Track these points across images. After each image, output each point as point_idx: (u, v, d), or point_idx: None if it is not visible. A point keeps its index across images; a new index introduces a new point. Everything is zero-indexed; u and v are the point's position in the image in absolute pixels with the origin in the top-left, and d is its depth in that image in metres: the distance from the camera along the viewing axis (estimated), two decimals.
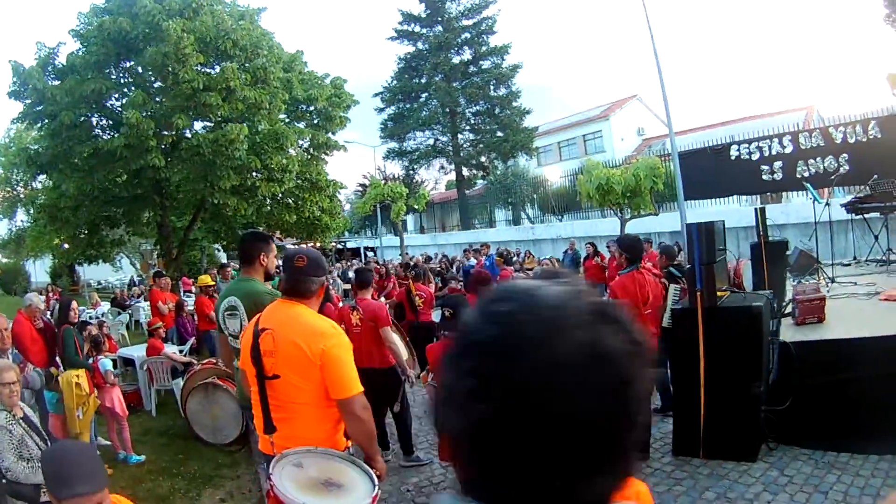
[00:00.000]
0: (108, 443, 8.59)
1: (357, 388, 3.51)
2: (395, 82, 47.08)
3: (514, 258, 22.77)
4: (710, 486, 6.02)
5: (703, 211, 24.59)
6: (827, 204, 13.04)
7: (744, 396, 6.44)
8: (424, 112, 46.57)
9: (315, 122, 18.62)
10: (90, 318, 22.05)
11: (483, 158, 47.28)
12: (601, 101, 60.94)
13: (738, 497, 5.77)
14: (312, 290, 3.77)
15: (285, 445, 3.43)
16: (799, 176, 17.91)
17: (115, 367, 12.18)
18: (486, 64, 46.58)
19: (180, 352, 12.11)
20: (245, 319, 4.51)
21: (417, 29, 47.02)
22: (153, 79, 14.73)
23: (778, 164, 18.53)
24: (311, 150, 19.05)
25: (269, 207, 19.25)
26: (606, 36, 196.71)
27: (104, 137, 14.44)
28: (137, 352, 12.17)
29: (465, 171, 48.78)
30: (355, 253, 47.27)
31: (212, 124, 15.35)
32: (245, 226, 21.54)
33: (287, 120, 18.64)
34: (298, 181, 18.68)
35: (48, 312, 11.12)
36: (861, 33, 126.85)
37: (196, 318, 13.81)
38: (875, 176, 13.37)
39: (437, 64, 45.08)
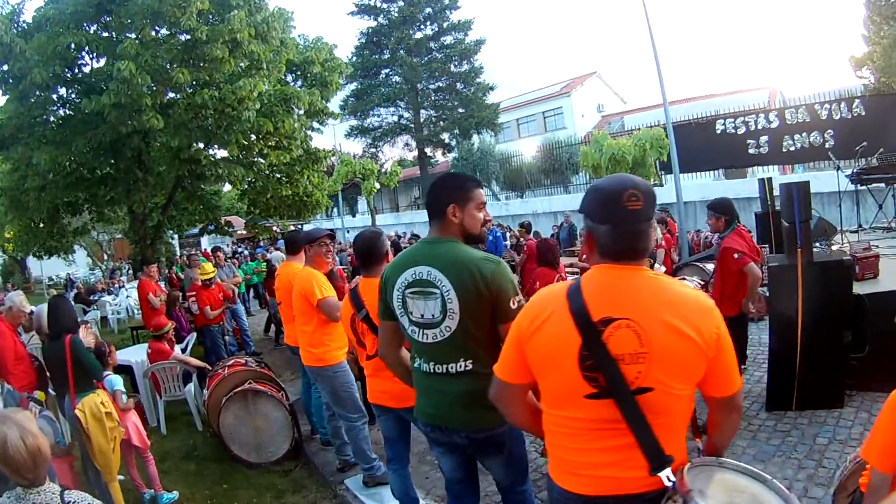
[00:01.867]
0: (122, 477, 6.32)
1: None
2: (356, 58, 44.86)
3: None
4: (817, 433, 6.24)
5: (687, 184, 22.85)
6: None
7: (836, 345, 6.70)
8: (385, 89, 45.12)
9: (311, 87, 16.21)
10: None
11: (445, 135, 46.26)
12: (557, 78, 60.15)
13: (846, 438, 6.03)
14: (651, 247, 2.49)
15: None
16: (785, 150, 18.73)
17: None
18: (448, 39, 45.32)
19: (182, 352, 10.09)
20: (449, 301, 3.19)
21: (378, 3, 45.08)
22: (143, 29, 11.98)
23: (764, 138, 19.05)
24: (306, 119, 16.62)
25: (261, 182, 16.91)
26: (558, 12, 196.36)
27: (84, 100, 11.75)
28: (134, 356, 10.10)
29: (427, 150, 47.74)
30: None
31: (208, 81, 12.95)
32: (213, 207, 19.60)
33: (287, 83, 16.45)
34: (301, 150, 16.46)
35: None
36: (821, 15, 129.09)
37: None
38: (864, 143, 13.88)
39: (401, 39, 43.66)
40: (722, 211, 7.33)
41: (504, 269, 3.23)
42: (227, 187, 22.95)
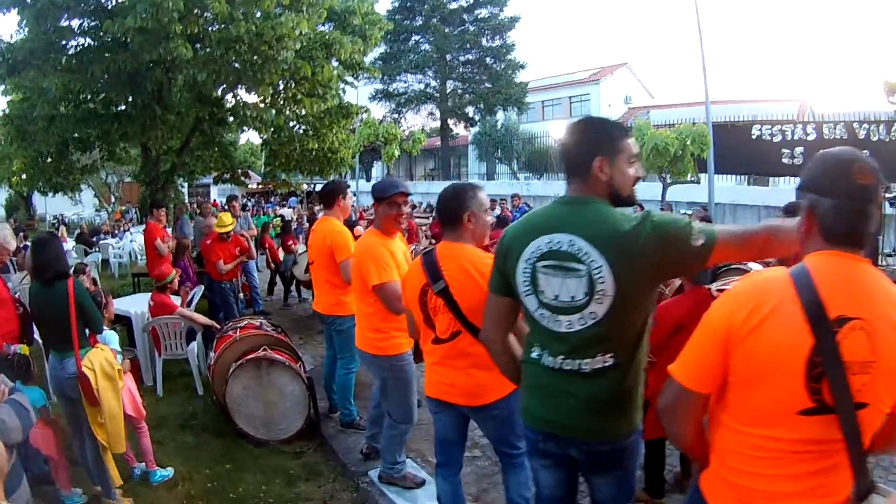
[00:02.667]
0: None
1: None
2: (388, 21, 43.02)
3: None
4: None
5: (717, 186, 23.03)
6: None
7: None
8: (414, 55, 44.03)
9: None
10: None
11: (470, 109, 45.16)
12: (584, 65, 59.52)
13: None
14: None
15: None
16: None
17: None
18: (482, 13, 44.10)
19: (187, 306, 9.16)
20: (600, 280, 2.50)
21: None
22: None
23: (799, 149, 18.78)
24: (343, 70, 15.63)
25: (287, 132, 15.91)
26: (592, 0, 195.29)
27: (107, 22, 10.51)
28: (133, 306, 9.13)
29: (450, 122, 46.74)
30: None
31: (245, 15, 11.52)
32: (229, 156, 18.68)
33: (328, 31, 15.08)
34: (335, 102, 15.38)
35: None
36: (857, 36, 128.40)
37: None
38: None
39: (435, 6, 42.68)
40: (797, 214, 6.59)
41: (661, 216, 2.53)
42: (243, 140, 21.85)
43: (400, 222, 4.98)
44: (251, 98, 13.69)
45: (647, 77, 52.38)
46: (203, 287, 10.56)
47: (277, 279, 14.43)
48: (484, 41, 43.78)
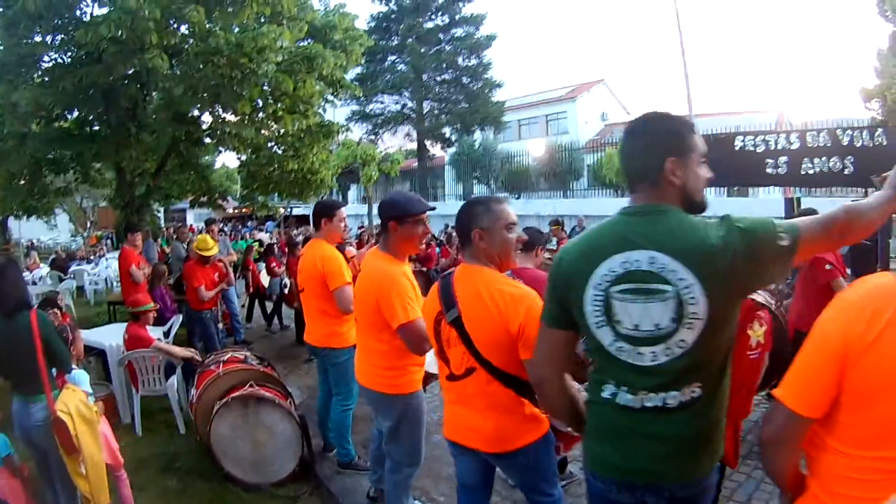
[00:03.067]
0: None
1: None
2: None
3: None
4: None
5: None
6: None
7: None
8: (391, 76, 43.41)
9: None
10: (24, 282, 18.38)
11: (446, 129, 44.80)
12: (559, 83, 59.58)
13: None
14: None
15: None
16: (803, 173, 14.96)
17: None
18: (458, 32, 43.77)
19: (165, 336, 8.60)
20: (691, 301, 2.12)
21: None
22: None
23: (783, 158, 15.34)
24: (325, 86, 14.88)
25: (265, 152, 15.31)
26: (564, 17, 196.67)
27: (79, 31, 9.84)
28: (108, 338, 8.49)
29: (427, 143, 46.21)
30: (302, 220, 43.67)
31: (224, 27, 10.93)
32: (206, 178, 17.97)
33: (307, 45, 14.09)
34: (317, 119, 14.73)
35: None
36: (829, 44, 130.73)
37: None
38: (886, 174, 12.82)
39: (412, 26, 42.08)
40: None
41: (746, 219, 2.20)
42: (219, 163, 21.17)
43: (421, 244, 4.44)
44: (230, 116, 13.07)
45: (622, 93, 52.52)
46: (181, 316, 9.95)
47: (256, 305, 13.96)
48: (460, 60, 43.49)
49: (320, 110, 15.01)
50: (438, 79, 44.30)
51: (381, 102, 44.78)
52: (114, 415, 7.60)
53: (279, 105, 12.86)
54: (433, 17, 43.76)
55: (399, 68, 43.60)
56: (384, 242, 4.30)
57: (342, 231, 5.93)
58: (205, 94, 11.11)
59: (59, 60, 11.72)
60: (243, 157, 16.38)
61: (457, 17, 43.38)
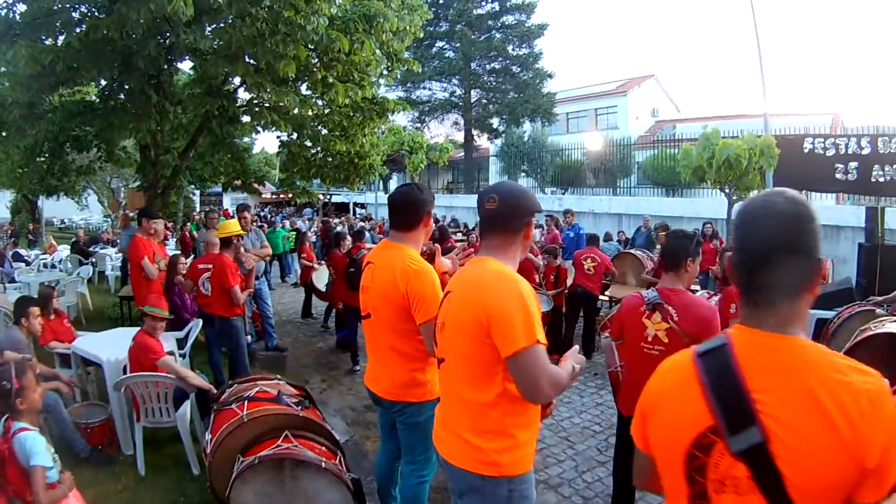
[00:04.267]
0: None
1: None
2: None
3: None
4: None
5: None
6: None
7: None
8: (439, 62, 41.43)
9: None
10: (43, 265, 16.77)
11: (494, 120, 42.74)
12: (607, 77, 58.05)
13: None
14: None
15: None
16: (874, 180, 17.85)
17: (67, 364, 6.93)
18: (509, 19, 41.63)
19: (178, 348, 6.80)
20: None
21: None
22: None
23: (853, 164, 18.20)
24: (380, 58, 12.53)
25: (309, 130, 13.14)
26: (615, 10, 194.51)
27: None
28: (108, 349, 6.66)
29: (474, 132, 44.26)
30: (341, 208, 42.02)
31: None
32: (242, 159, 16.29)
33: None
34: (373, 92, 12.49)
35: None
36: (887, 47, 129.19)
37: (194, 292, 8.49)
38: None
39: (462, 12, 40.12)
40: None
41: None
42: (258, 148, 19.30)
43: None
44: (268, 89, 10.49)
45: (673, 89, 50.76)
46: (201, 321, 8.04)
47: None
48: (510, 49, 41.50)
49: (376, 84, 12.80)
50: (487, 67, 42.38)
51: (429, 89, 42.98)
52: (111, 442, 5.93)
53: (330, 71, 10.43)
54: (483, 3, 41.91)
55: (447, 55, 41.82)
56: (494, 247, 3.05)
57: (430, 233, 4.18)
58: (240, 50, 8.78)
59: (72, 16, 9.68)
60: (283, 137, 14.51)
61: (508, 3, 41.41)
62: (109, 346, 6.66)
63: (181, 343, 7.57)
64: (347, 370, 9.57)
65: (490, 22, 41.64)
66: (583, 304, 10.52)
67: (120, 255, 15.80)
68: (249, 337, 9.21)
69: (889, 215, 15.69)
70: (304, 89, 11.54)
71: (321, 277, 12.14)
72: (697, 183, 19.87)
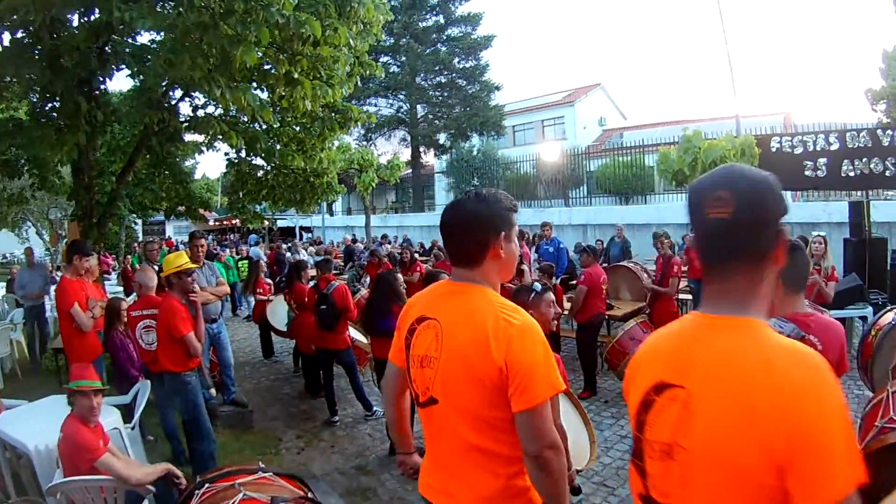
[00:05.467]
0: None
1: None
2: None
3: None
4: None
5: None
6: None
7: None
8: (385, 76, 39.24)
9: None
10: None
11: (441, 135, 41.71)
12: (553, 88, 58.20)
13: None
14: None
15: None
16: (843, 175, 17.22)
17: None
18: (455, 32, 40.82)
19: (124, 421, 5.24)
20: None
21: None
22: None
23: (822, 160, 17.53)
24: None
25: (263, 142, 11.28)
26: (562, 21, 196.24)
27: None
28: (37, 428, 5.17)
29: (420, 148, 43.23)
30: (287, 233, 40.21)
31: None
32: (184, 183, 14.47)
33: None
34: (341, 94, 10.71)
35: None
36: (836, 47, 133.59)
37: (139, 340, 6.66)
38: None
39: (407, 24, 38.84)
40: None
41: None
42: (198, 174, 17.62)
43: None
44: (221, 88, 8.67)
45: (620, 98, 50.98)
46: (149, 383, 6.39)
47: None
48: (456, 62, 40.66)
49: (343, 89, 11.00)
50: (433, 81, 41.42)
51: (375, 105, 41.42)
52: None
53: (294, 66, 8.22)
54: (428, 16, 40.97)
55: (392, 69, 40.47)
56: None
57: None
58: (188, 36, 6.93)
59: None
60: (232, 155, 12.91)
61: (453, 16, 40.69)
62: (41, 425, 5.11)
63: (128, 414, 5.97)
64: (325, 421, 8.27)
65: (435, 35, 40.77)
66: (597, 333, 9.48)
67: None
68: (209, 392, 7.56)
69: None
70: (262, 96, 9.78)
71: (277, 312, 10.79)
72: (675, 187, 19.39)
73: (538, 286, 5.75)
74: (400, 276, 7.74)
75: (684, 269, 11.86)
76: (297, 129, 11.64)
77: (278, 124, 11.56)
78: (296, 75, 8.16)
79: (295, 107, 8.89)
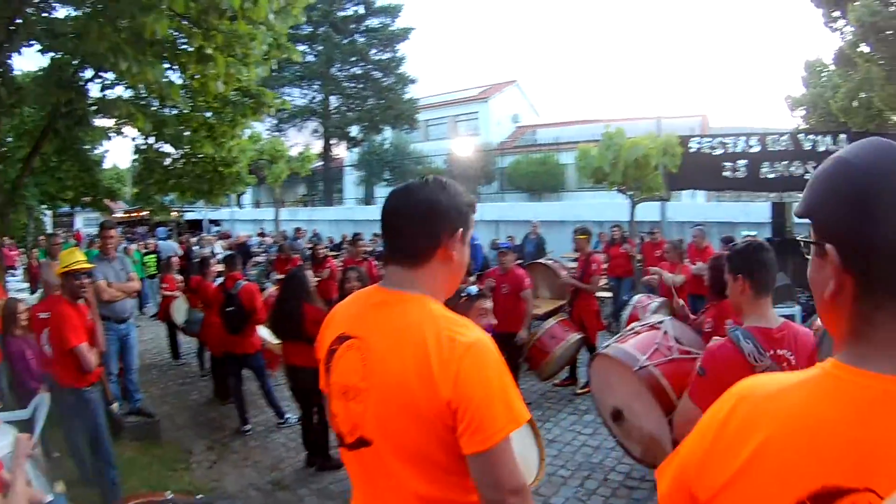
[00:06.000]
0: None
1: None
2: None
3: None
4: None
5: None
6: None
7: None
8: (298, 66, 39.00)
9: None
10: None
11: (353, 128, 41.22)
12: (465, 83, 58.27)
13: None
14: None
15: None
16: (762, 177, 18.39)
17: None
18: (373, 22, 40.36)
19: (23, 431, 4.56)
20: None
21: None
22: None
23: (742, 162, 18.74)
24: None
25: (173, 128, 10.64)
26: (477, 16, 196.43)
27: None
28: None
29: (332, 141, 42.77)
30: (195, 226, 38.73)
31: None
32: (91, 169, 13.59)
33: None
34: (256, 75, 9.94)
35: None
36: (757, 53, 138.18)
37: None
38: None
39: (327, 13, 38.33)
40: None
41: None
42: (108, 164, 16.59)
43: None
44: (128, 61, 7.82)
45: (534, 95, 51.26)
46: (49, 395, 5.67)
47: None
48: (373, 53, 40.21)
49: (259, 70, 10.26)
50: (349, 72, 40.86)
51: (288, 95, 40.17)
52: None
53: (208, 40, 7.65)
54: (348, 5, 40.41)
55: (308, 59, 39.65)
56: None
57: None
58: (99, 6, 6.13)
59: None
60: (139, 141, 12.06)
61: (373, 6, 40.17)
62: None
63: (30, 422, 5.30)
64: (236, 430, 7.77)
65: (354, 25, 40.32)
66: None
67: None
68: (115, 406, 6.91)
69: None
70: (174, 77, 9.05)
71: (179, 309, 10.19)
72: (594, 185, 19.35)
73: (473, 289, 5.29)
74: (310, 273, 7.28)
75: (605, 266, 11.79)
76: (209, 114, 10.90)
77: (189, 109, 10.81)
78: (209, 51, 7.47)
79: (207, 89, 8.21)
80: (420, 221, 2.02)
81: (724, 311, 5.70)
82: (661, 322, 4.72)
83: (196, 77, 8.15)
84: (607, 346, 4.82)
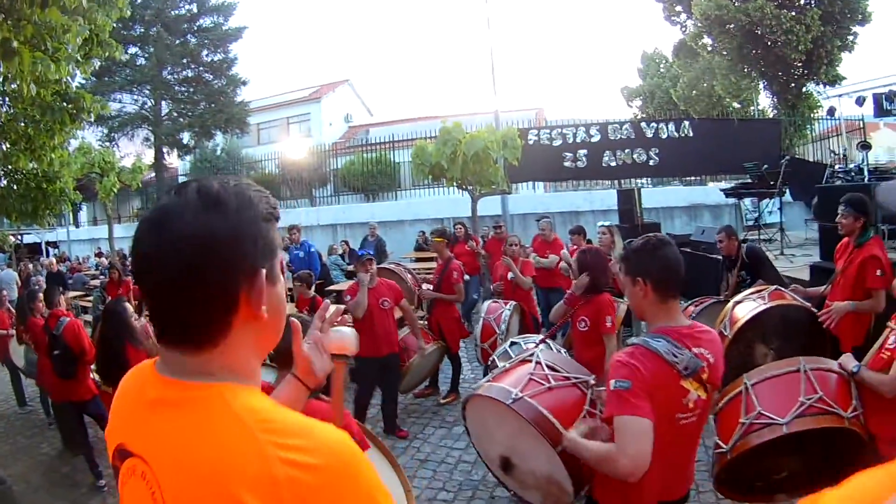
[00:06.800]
0: None
1: None
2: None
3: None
4: None
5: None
6: None
7: None
8: (131, 70, 36.69)
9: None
10: None
11: (185, 134, 39.04)
12: (296, 84, 57.68)
13: None
14: None
15: None
16: (605, 165, 19.04)
17: None
18: (206, 22, 38.45)
19: None
20: None
21: None
22: None
23: (583, 151, 19.19)
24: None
25: None
26: (307, 17, 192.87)
27: None
28: None
29: (164, 149, 40.12)
30: (34, 250, 35.55)
31: None
32: None
33: None
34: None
35: None
36: (590, 46, 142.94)
37: None
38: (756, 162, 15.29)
39: (160, 12, 35.99)
40: (862, 209, 5.84)
41: None
42: None
43: None
44: None
45: (367, 94, 51.61)
46: None
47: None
48: (204, 54, 38.38)
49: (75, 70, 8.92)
50: (180, 75, 38.82)
51: (119, 101, 37.56)
52: None
53: (16, 35, 6.48)
54: (181, 3, 38.26)
55: (139, 62, 37.46)
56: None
57: None
58: None
59: None
60: None
61: (206, 4, 38.25)
62: None
63: None
64: (91, 486, 6.85)
65: (187, 25, 38.23)
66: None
67: None
68: None
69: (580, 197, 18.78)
70: None
71: (15, 350, 9.14)
72: (432, 181, 19.28)
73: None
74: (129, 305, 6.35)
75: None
76: (24, 123, 9.62)
77: (9, 118, 9.62)
78: (15, 44, 6.24)
79: (19, 92, 6.97)
80: (188, 281, 1.15)
81: (601, 307, 5.56)
82: (531, 355, 4.25)
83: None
84: (477, 386, 4.41)
